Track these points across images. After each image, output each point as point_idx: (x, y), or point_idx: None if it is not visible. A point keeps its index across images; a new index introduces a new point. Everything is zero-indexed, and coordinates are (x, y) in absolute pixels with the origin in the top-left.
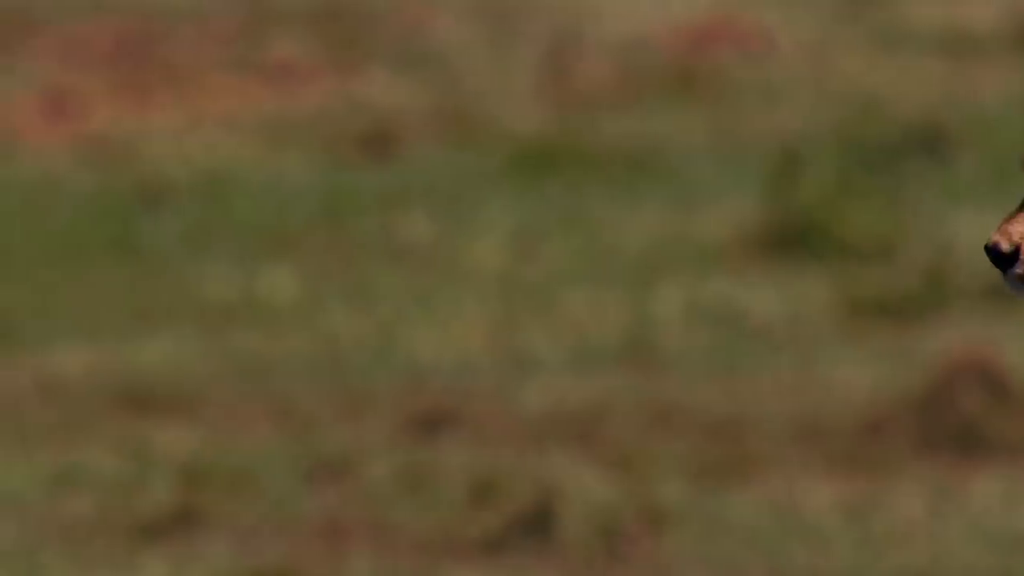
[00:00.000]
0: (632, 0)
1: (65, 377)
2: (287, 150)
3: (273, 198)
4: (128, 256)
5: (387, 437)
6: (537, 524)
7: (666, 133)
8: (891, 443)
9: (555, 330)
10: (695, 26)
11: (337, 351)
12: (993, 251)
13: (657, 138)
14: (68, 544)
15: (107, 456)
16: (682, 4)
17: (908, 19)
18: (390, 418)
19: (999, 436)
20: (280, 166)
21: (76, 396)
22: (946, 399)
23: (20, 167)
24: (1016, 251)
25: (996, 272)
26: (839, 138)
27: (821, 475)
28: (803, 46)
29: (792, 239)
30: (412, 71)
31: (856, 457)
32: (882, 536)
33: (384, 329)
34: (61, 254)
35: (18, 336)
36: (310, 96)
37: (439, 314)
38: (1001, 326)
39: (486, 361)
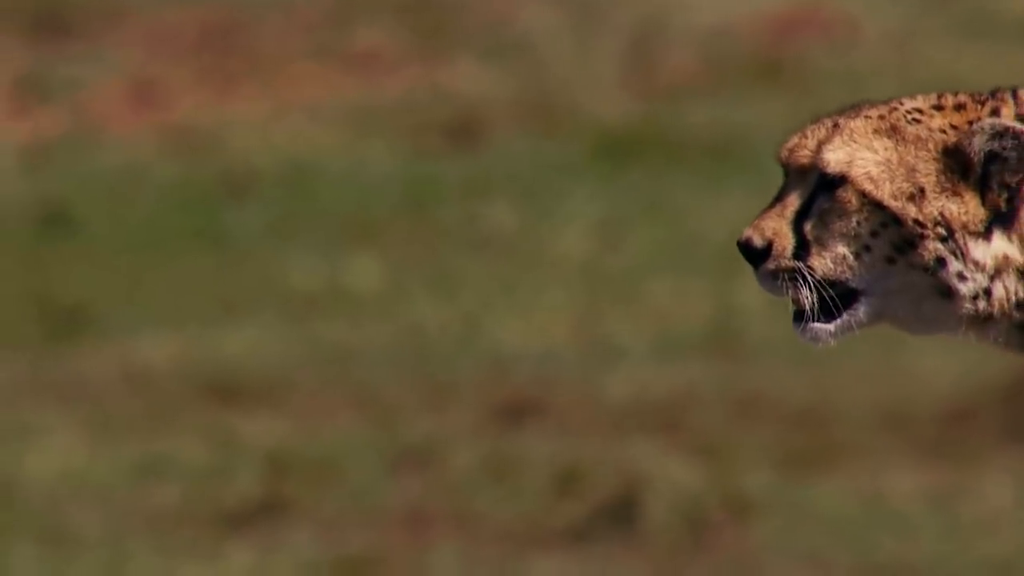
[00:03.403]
0: None
1: (151, 367)
2: (372, 139)
3: (357, 187)
4: (213, 245)
5: (471, 426)
6: (622, 513)
7: (750, 122)
8: (977, 432)
9: (639, 319)
10: (780, 15)
11: (421, 340)
12: (746, 247)
13: (741, 127)
14: (154, 533)
15: (193, 445)
16: None
17: (993, 7)
18: (474, 407)
19: None
20: (365, 155)
21: (162, 386)
22: None
23: (106, 156)
24: (769, 246)
25: None
26: None
27: (907, 464)
28: (888, 35)
29: None
30: (497, 60)
31: (942, 446)
32: (968, 525)
33: (468, 318)
34: (146, 243)
35: (104, 326)
36: (395, 85)
37: (523, 303)
38: None
39: (570, 350)
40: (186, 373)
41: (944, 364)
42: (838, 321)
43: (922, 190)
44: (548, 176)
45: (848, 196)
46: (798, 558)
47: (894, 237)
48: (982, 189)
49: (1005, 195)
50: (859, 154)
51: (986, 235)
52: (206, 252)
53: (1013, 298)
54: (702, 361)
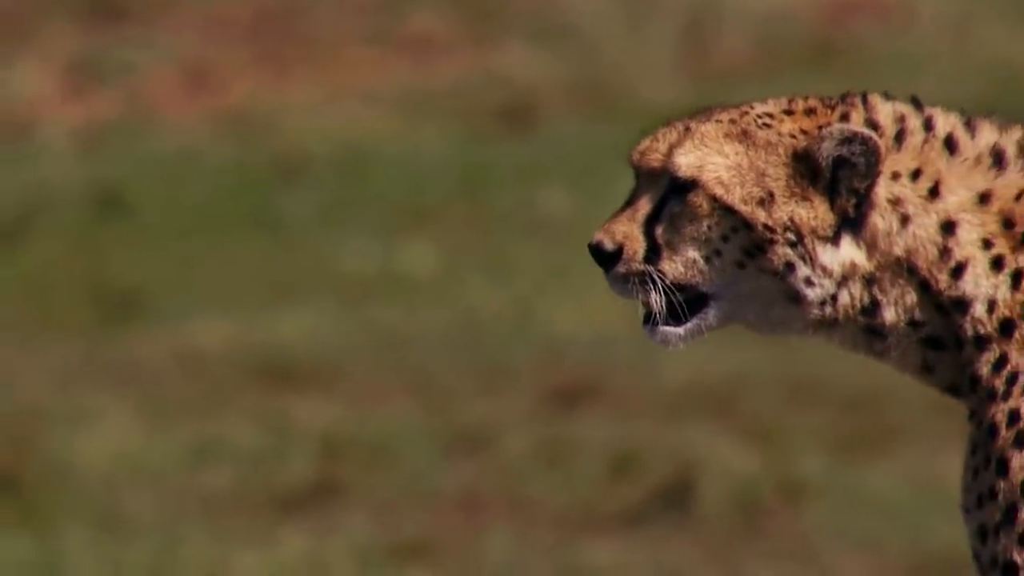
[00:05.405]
0: None
1: (204, 350)
2: (425, 123)
3: (411, 171)
4: (267, 229)
5: (525, 410)
6: (676, 497)
7: None
8: None
9: None
10: None
11: (475, 324)
12: (596, 250)
13: None
14: (208, 516)
15: (246, 429)
16: None
17: None
18: (528, 391)
19: None
20: (418, 139)
21: (215, 369)
22: None
23: (160, 141)
24: (619, 250)
25: None
26: (980, 110)
27: (961, 449)
28: (943, 17)
29: None
30: (550, 44)
31: None
32: None
33: (522, 302)
34: (200, 228)
35: (158, 310)
36: (448, 69)
37: (577, 287)
38: None
39: (624, 334)
40: (239, 357)
41: None
42: (688, 325)
43: (772, 195)
44: (601, 160)
45: (699, 200)
46: (852, 542)
47: (744, 242)
48: (831, 194)
49: (854, 201)
50: (710, 158)
51: (835, 240)
52: (259, 236)
53: (858, 304)
54: (756, 346)
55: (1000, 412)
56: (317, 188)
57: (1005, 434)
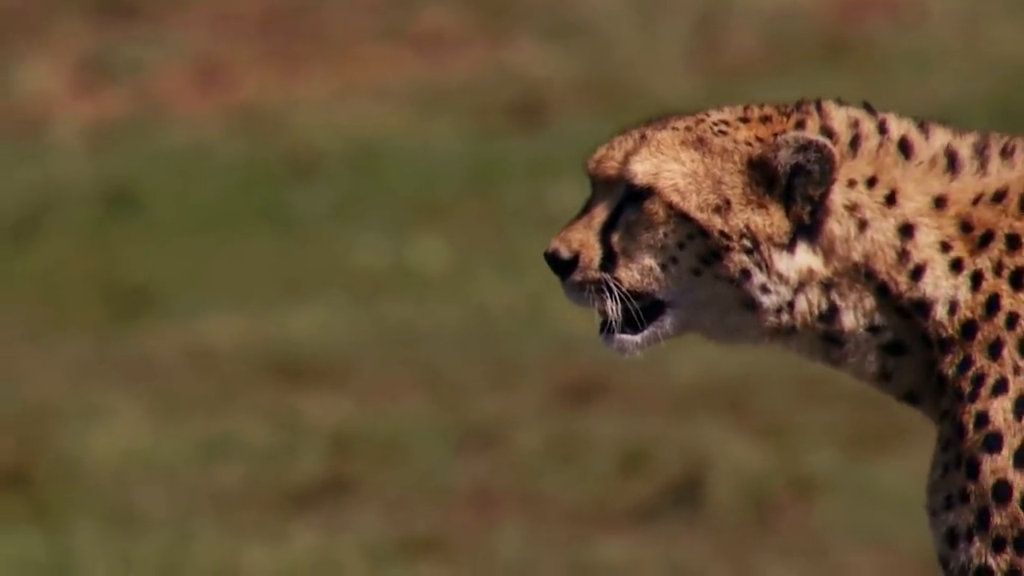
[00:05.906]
0: None
1: (215, 347)
2: (437, 119)
3: (422, 167)
4: (278, 226)
5: (537, 407)
6: (687, 493)
7: None
8: None
9: None
10: None
11: (486, 320)
12: (552, 258)
13: None
14: (219, 512)
15: (257, 425)
16: None
17: None
18: (540, 388)
19: None
20: (430, 135)
21: (226, 366)
22: None
23: (171, 137)
24: (575, 258)
25: None
26: (991, 106)
27: None
28: (954, 14)
29: None
30: (561, 40)
31: None
32: None
33: (534, 298)
34: (211, 224)
35: (169, 306)
36: (460, 65)
37: None
38: None
39: None
40: (251, 353)
41: None
42: (645, 333)
43: (728, 202)
44: None
45: (655, 208)
46: (862, 538)
47: (700, 249)
48: (787, 202)
49: (808, 208)
50: (666, 166)
51: (790, 247)
52: (271, 232)
53: (816, 311)
54: None
55: (967, 413)
56: (328, 184)
57: (973, 436)
